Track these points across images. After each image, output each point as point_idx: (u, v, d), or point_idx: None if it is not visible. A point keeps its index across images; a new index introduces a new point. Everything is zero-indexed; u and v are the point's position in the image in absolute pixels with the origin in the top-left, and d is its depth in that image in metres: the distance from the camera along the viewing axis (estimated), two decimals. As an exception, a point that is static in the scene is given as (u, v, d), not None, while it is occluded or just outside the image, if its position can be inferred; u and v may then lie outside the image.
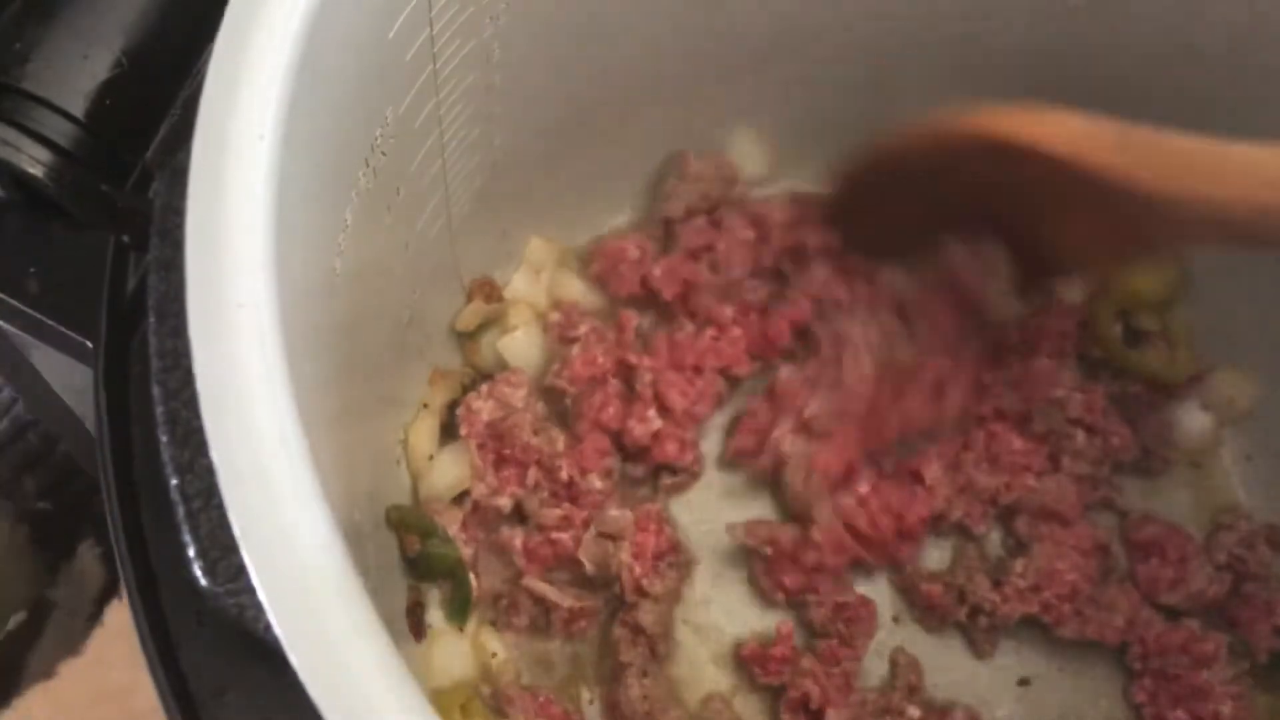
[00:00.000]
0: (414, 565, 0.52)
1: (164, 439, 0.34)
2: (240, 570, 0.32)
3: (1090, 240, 0.47)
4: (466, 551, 0.52)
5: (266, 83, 0.31)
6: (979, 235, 0.51)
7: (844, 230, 0.57)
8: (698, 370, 0.57)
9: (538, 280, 0.59)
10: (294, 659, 0.25)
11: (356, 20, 0.35)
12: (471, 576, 0.52)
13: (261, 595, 0.26)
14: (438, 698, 0.50)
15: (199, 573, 0.32)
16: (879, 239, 0.56)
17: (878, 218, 0.54)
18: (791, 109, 0.60)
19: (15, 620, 0.54)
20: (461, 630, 0.52)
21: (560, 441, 0.54)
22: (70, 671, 0.59)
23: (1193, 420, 0.59)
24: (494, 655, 0.52)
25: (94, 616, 0.59)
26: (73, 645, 0.58)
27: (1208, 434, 0.59)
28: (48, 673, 0.58)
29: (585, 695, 0.53)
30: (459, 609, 0.51)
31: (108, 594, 0.58)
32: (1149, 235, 0.45)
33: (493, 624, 0.53)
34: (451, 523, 0.52)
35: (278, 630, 0.25)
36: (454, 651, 0.51)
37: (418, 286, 0.51)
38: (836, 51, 0.56)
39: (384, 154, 0.40)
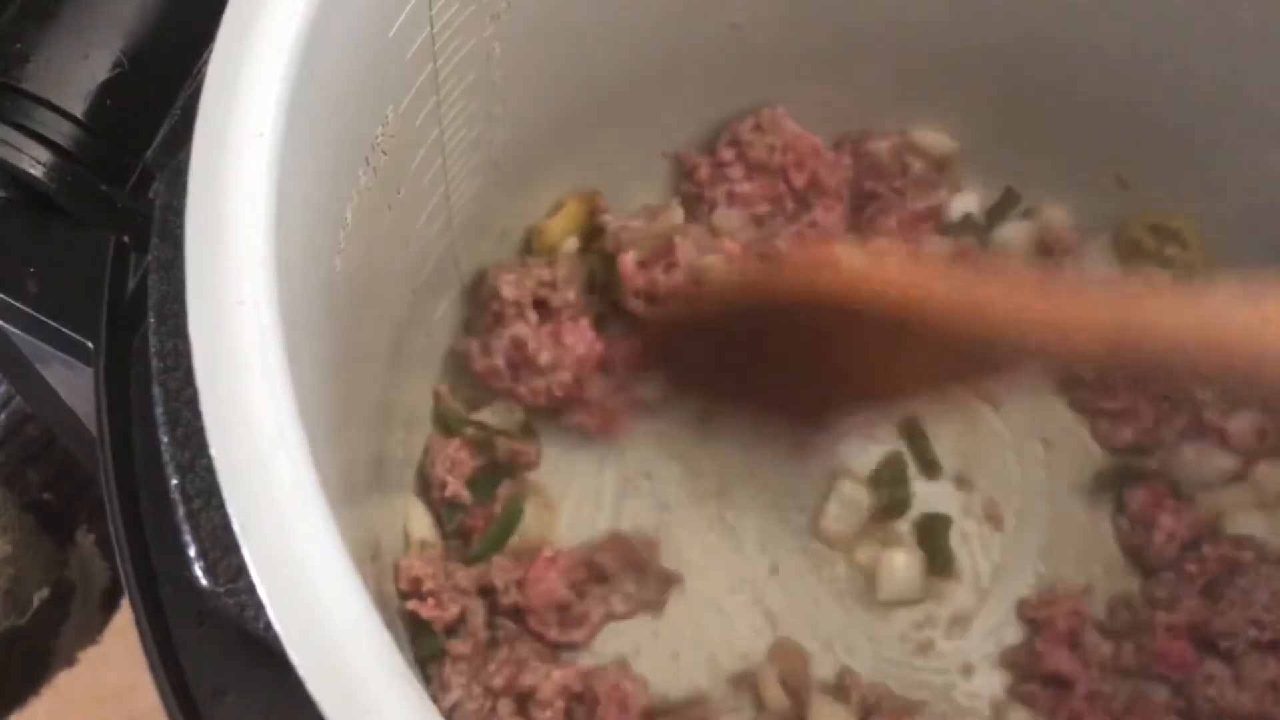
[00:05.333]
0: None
1: (165, 439, 0.34)
2: (241, 570, 0.32)
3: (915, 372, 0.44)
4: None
5: (266, 80, 0.31)
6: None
7: (661, 370, 0.56)
8: None
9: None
10: (293, 656, 0.25)
11: (357, 18, 0.35)
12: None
13: (261, 592, 0.26)
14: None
15: (200, 572, 0.32)
16: (695, 382, 0.54)
17: (691, 362, 0.53)
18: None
19: (39, 598, 0.54)
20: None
21: None
22: (74, 670, 0.59)
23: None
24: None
25: (107, 606, 0.59)
26: (91, 633, 0.59)
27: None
28: (70, 659, 0.58)
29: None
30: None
31: (115, 582, 0.58)
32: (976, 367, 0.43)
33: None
34: None
35: (277, 627, 0.25)
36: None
37: (418, 285, 0.51)
38: (848, 49, 0.56)
39: (384, 152, 0.40)
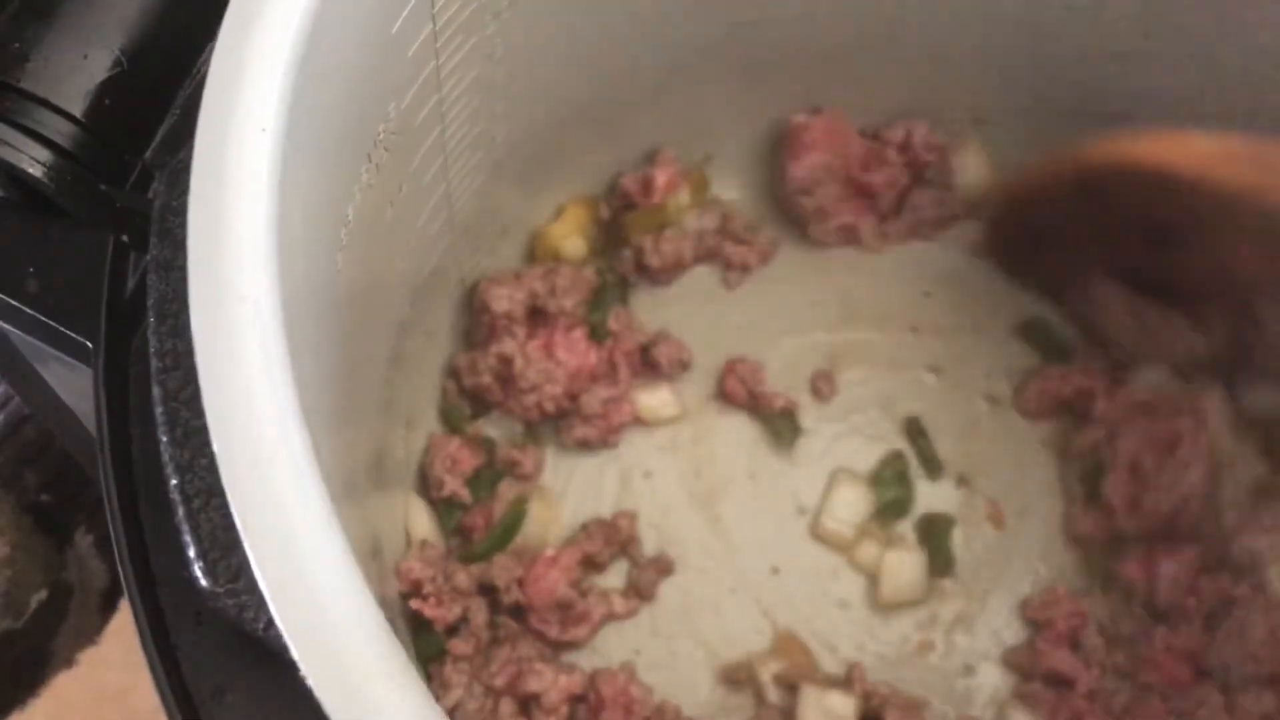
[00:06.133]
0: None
1: (164, 439, 0.34)
2: (240, 570, 0.32)
3: (1244, 261, 0.46)
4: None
5: (269, 77, 0.31)
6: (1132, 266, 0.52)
7: (1006, 258, 0.59)
8: None
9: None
10: (295, 653, 0.25)
11: (359, 15, 0.35)
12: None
13: (263, 589, 0.26)
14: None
15: (199, 573, 0.32)
16: (1038, 266, 0.57)
17: (1036, 245, 0.56)
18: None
19: (37, 600, 0.54)
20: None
21: None
22: (73, 671, 0.59)
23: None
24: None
25: (105, 607, 0.59)
26: (89, 634, 0.59)
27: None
28: (69, 661, 0.58)
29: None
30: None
31: (114, 583, 0.58)
32: None
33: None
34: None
35: (279, 624, 0.25)
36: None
37: (419, 283, 0.51)
38: (861, 48, 0.56)
39: (387, 150, 0.40)
